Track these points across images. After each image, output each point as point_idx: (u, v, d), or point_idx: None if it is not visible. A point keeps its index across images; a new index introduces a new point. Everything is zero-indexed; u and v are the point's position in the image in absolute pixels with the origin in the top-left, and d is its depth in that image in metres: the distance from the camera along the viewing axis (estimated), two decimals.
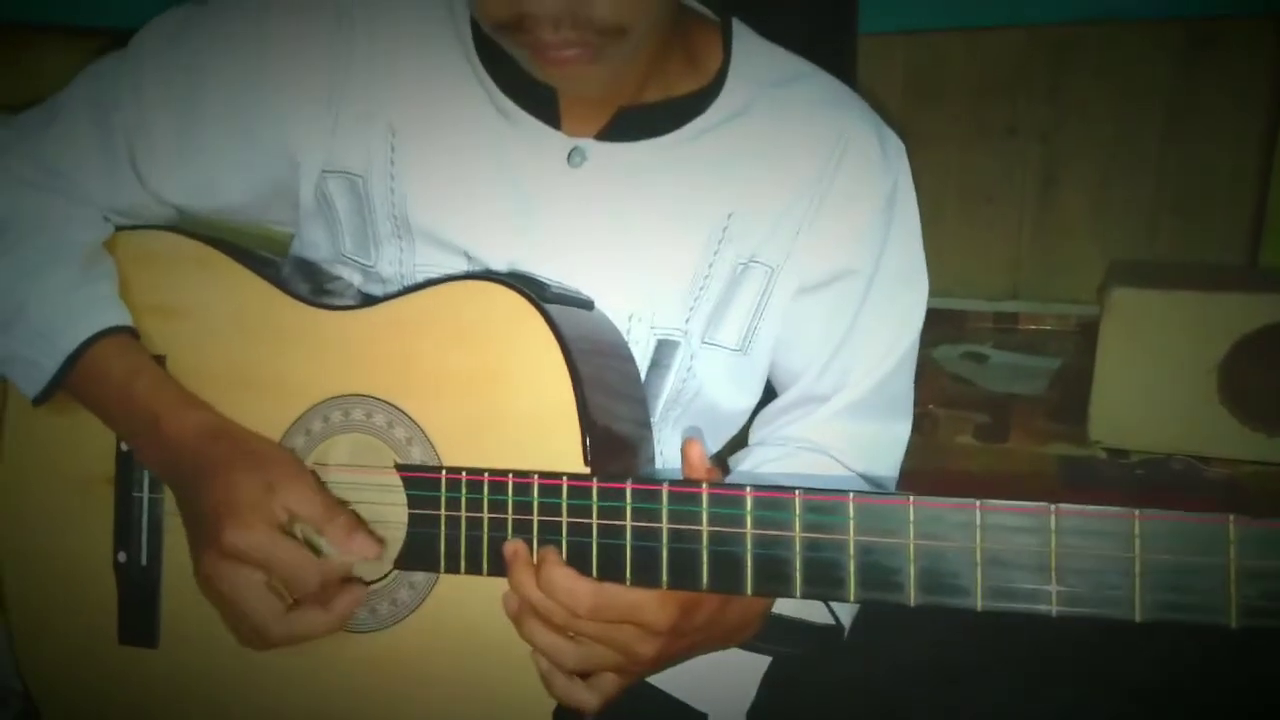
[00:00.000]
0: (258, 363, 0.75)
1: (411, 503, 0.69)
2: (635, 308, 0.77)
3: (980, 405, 1.74)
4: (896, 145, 0.81)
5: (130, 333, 0.77)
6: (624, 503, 0.63)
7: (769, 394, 0.88)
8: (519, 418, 0.68)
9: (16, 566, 0.82)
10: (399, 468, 0.70)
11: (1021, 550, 0.56)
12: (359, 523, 0.69)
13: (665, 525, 0.63)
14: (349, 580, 0.69)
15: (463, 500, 0.67)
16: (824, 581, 0.60)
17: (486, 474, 0.67)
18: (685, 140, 0.77)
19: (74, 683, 0.81)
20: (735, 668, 0.77)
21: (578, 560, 0.64)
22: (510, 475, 0.66)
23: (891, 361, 0.82)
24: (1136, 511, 0.55)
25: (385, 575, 0.71)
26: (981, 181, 1.96)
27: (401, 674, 0.71)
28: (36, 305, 0.74)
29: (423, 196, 0.76)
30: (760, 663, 0.78)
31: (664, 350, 0.79)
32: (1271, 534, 0.53)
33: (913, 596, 0.58)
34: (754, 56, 0.79)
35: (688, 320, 0.79)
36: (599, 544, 0.64)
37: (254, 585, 0.67)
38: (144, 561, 0.78)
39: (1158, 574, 0.54)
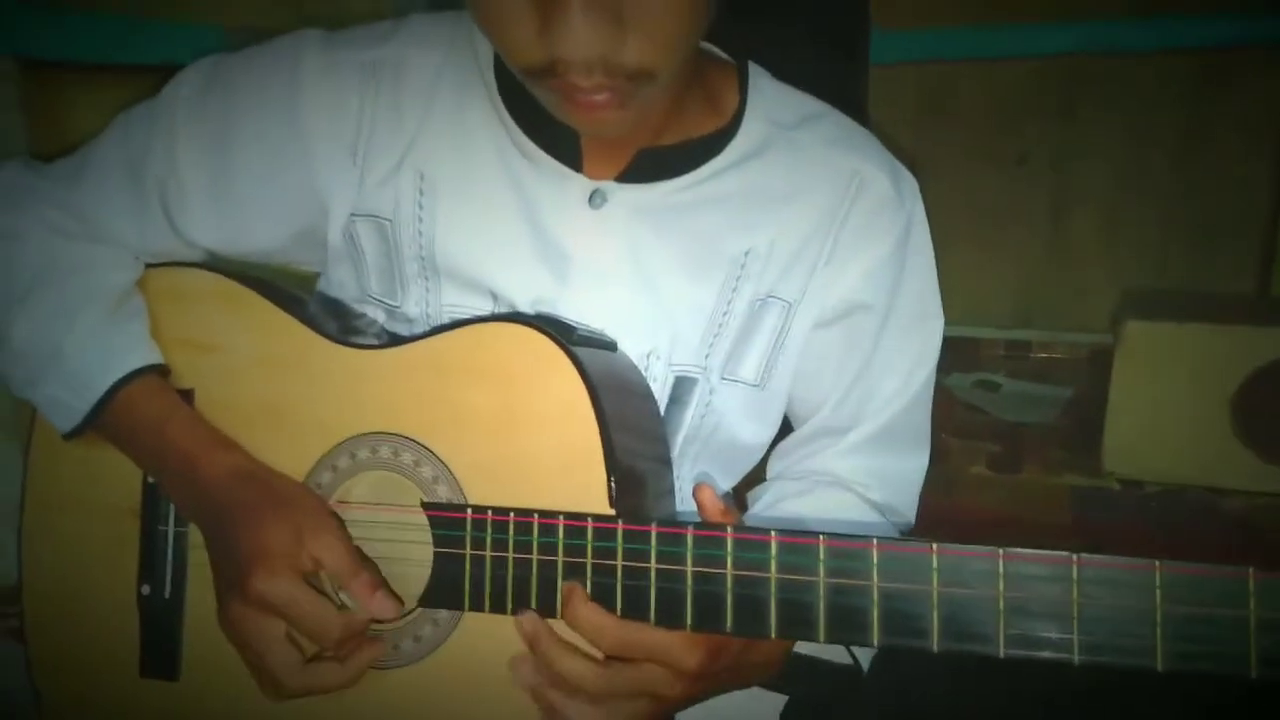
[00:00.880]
0: (285, 398, 0.76)
1: (437, 541, 0.70)
2: (653, 345, 0.78)
3: (993, 434, 1.74)
4: (910, 182, 0.83)
5: (161, 371, 0.78)
6: (649, 545, 0.64)
7: (786, 426, 0.89)
8: (545, 458, 0.68)
9: (40, 596, 0.83)
10: (425, 506, 0.71)
11: (1043, 599, 0.57)
12: (380, 580, 0.70)
13: (690, 568, 0.63)
14: (368, 635, 0.70)
15: (488, 539, 0.68)
16: (847, 626, 0.60)
17: (512, 514, 0.67)
18: (702, 180, 0.78)
19: (93, 714, 0.81)
20: (752, 706, 0.77)
21: (602, 601, 0.65)
22: (536, 515, 0.67)
23: (909, 395, 0.83)
24: (1157, 563, 0.56)
25: (409, 612, 0.72)
26: (993, 210, 1.97)
27: (425, 710, 0.71)
28: (71, 347, 0.76)
29: (449, 239, 0.77)
30: (777, 701, 0.79)
31: (682, 387, 0.80)
32: None
33: (936, 642, 0.59)
34: (769, 98, 0.81)
35: (707, 357, 0.80)
36: (624, 585, 0.65)
37: (275, 636, 0.68)
38: (167, 594, 0.78)
39: (1178, 624, 0.55)
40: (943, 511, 0.94)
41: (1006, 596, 0.57)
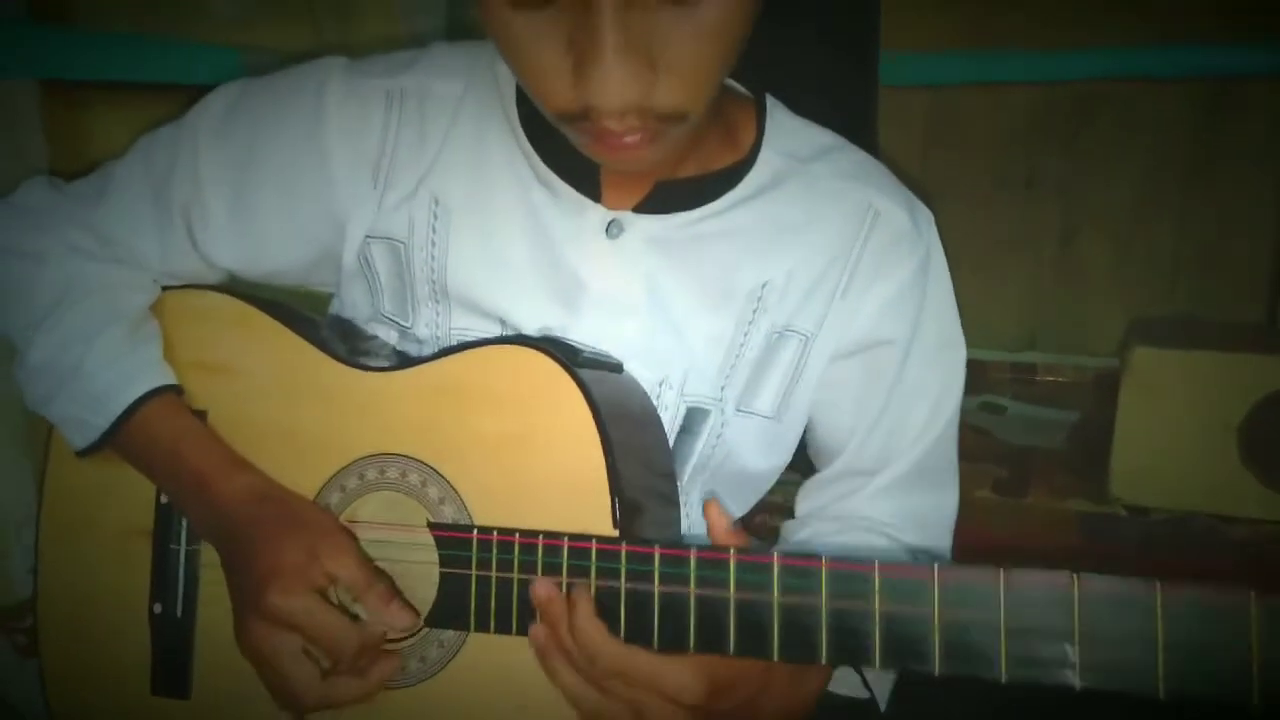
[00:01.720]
0: (295, 419, 0.77)
1: (443, 561, 0.71)
2: (665, 374, 0.79)
3: (999, 458, 1.73)
4: (926, 215, 0.83)
5: (175, 391, 0.79)
6: (652, 566, 0.64)
7: (802, 457, 0.88)
8: (550, 480, 0.69)
9: (53, 613, 0.84)
10: (432, 526, 0.72)
11: (1045, 621, 0.57)
12: (395, 592, 0.71)
13: (693, 590, 0.63)
14: (384, 649, 0.71)
15: (494, 560, 0.69)
16: (849, 649, 0.60)
17: (517, 534, 0.68)
18: (719, 213, 0.78)
19: None
20: None
21: (606, 621, 0.65)
22: (541, 537, 0.67)
23: (936, 430, 0.82)
24: (1158, 584, 0.56)
25: (415, 632, 0.72)
26: (1000, 233, 1.97)
27: None
28: (90, 366, 0.77)
29: (461, 264, 0.78)
30: None
31: (694, 417, 0.80)
32: None
33: (937, 665, 0.59)
34: (785, 132, 0.81)
35: (723, 389, 0.80)
36: (626, 607, 0.65)
37: (292, 651, 0.68)
38: (179, 613, 0.79)
39: (1181, 649, 0.55)
40: (955, 540, 0.93)
41: (1007, 614, 0.57)
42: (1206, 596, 0.55)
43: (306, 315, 0.84)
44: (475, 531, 0.70)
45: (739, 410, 0.80)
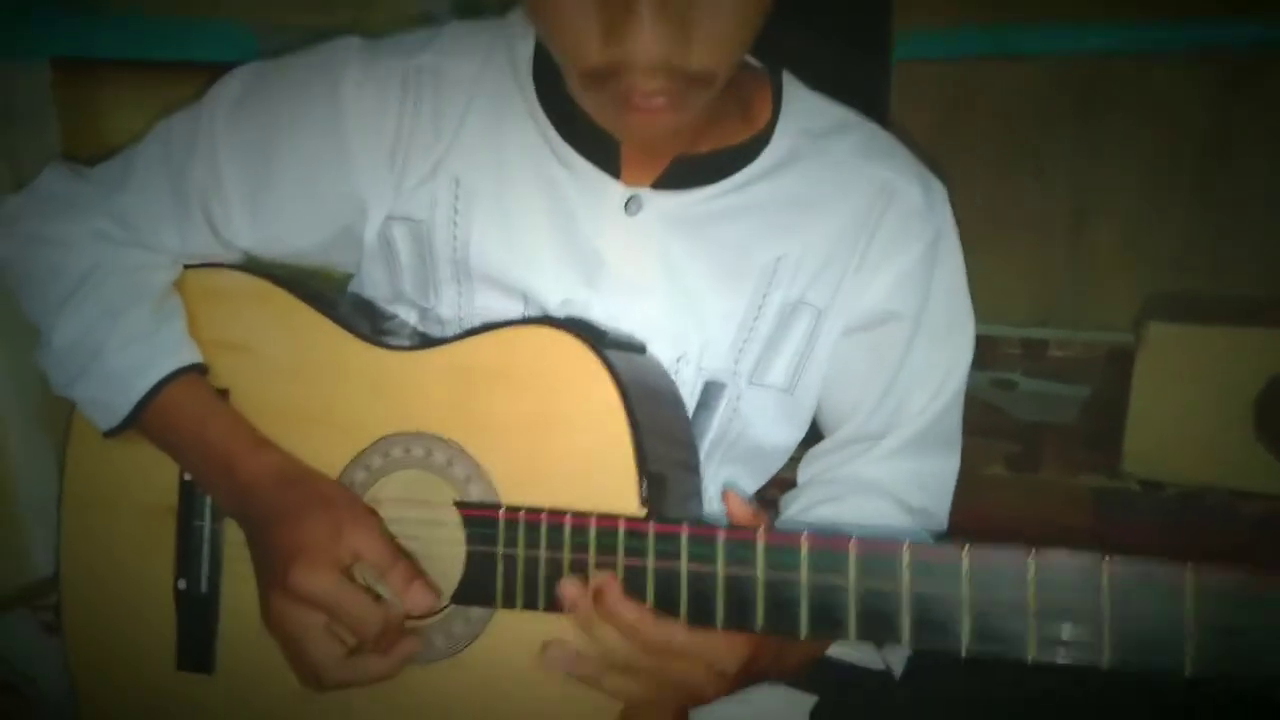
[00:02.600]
0: (319, 398, 0.77)
1: (470, 539, 0.71)
2: (683, 350, 0.79)
3: (1011, 434, 1.73)
4: (940, 192, 0.83)
5: (200, 370, 0.79)
6: (680, 546, 0.65)
7: (813, 431, 0.89)
8: (576, 459, 0.69)
9: (77, 591, 0.84)
10: (458, 505, 0.72)
11: (1073, 601, 0.57)
12: (419, 572, 0.71)
13: (720, 570, 0.64)
14: (407, 627, 0.71)
15: (520, 539, 0.69)
16: (878, 629, 0.61)
17: (544, 514, 0.68)
18: (735, 188, 0.79)
19: (130, 707, 0.82)
20: (781, 706, 0.78)
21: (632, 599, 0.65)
22: (568, 516, 0.68)
23: (942, 401, 0.83)
24: (1189, 566, 0.56)
25: (441, 609, 0.73)
26: (1012, 209, 1.95)
27: (458, 707, 0.72)
28: (114, 347, 0.77)
29: (484, 243, 0.78)
30: (807, 701, 0.79)
31: (710, 391, 0.81)
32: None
33: (965, 645, 0.59)
34: (801, 107, 0.82)
35: (737, 362, 0.80)
36: (654, 585, 0.65)
37: (316, 628, 0.69)
38: (204, 589, 0.80)
39: (1209, 630, 0.55)
40: (960, 512, 0.94)
41: (1037, 595, 0.58)
42: (1238, 580, 0.55)
43: (328, 294, 0.84)
44: (502, 510, 0.70)
45: (752, 383, 0.81)
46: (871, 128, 0.84)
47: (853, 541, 0.61)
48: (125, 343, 0.78)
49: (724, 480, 0.84)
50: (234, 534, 0.78)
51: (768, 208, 0.79)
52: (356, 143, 0.77)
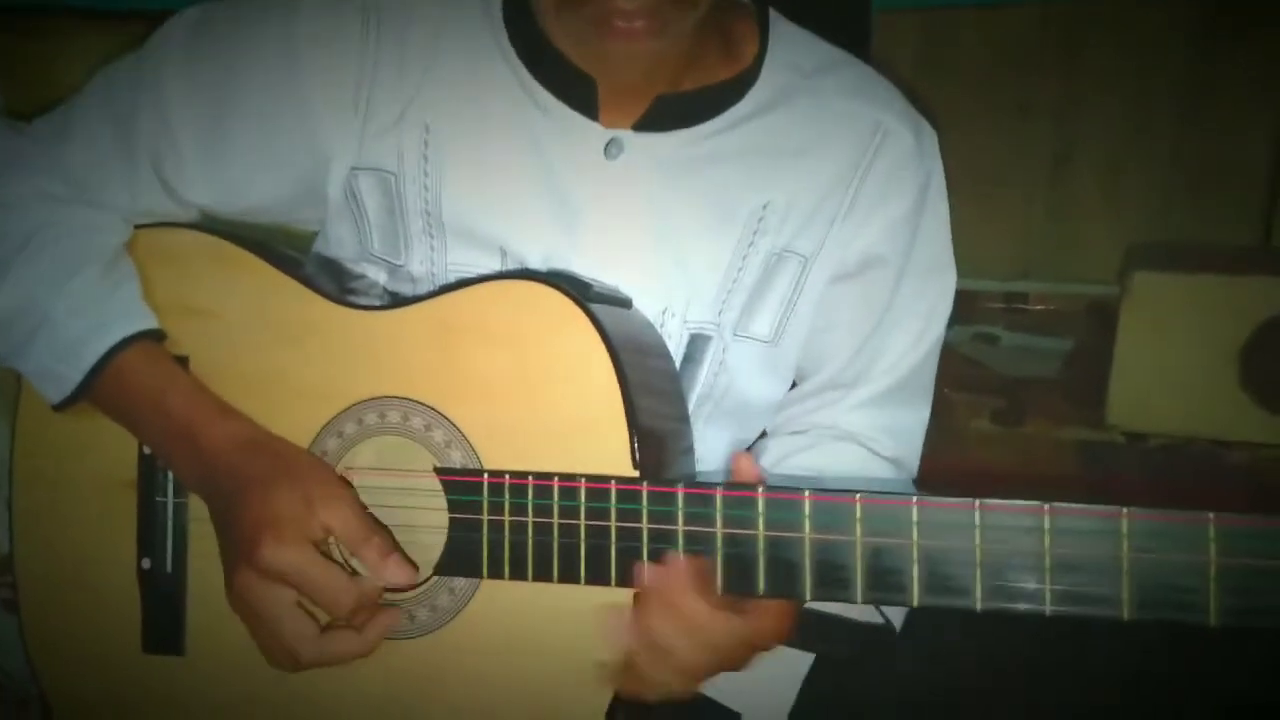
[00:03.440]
0: (286, 363, 0.73)
1: (452, 507, 0.68)
2: (668, 302, 0.76)
3: (995, 388, 1.73)
4: (931, 136, 0.81)
5: (156, 336, 0.75)
6: (675, 507, 0.62)
7: None
8: (563, 420, 0.66)
9: (33, 573, 0.80)
10: (439, 471, 0.69)
11: (1089, 554, 0.55)
12: (394, 546, 0.68)
13: (720, 530, 0.61)
14: (384, 602, 0.68)
15: (506, 504, 0.66)
16: (885, 587, 0.59)
17: (531, 477, 0.65)
18: (721, 130, 0.75)
19: (95, 692, 0.79)
20: (776, 670, 0.76)
21: (626, 565, 0.63)
22: (556, 479, 0.65)
23: (920, 352, 0.82)
24: (1212, 516, 0.54)
25: (424, 581, 0.69)
26: (993, 159, 1.94)
27: (444, 681, 0.69)
28: (62, 313, 0.73)
29: (457, 193, 0.74)
30: (801, 666, 0.78)
31: (696, 345, 0.78)
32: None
33: (979, 600, 0.57)
34: (789, 44, 0.78)
35: (720, 313, 0.78)
36: (649, 549, 0.63)
37: (286, 605, 0.66)
38: (169, 568, 0.76)
39: (1230, 578, 0.53)
40: (945, 467, 0.94)
41: (1053, 553, 0.56)
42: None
43: (291, 254, 0.79)
44: (486, 475, 0.67)
45: (736, 335, 0.79)
46: (862, 66, 0.81)
47: (858, 497, 0.59)
48: (74, 309, 0.73)
49: (712, 438, 0.82)
50: (198, 509, 0.74)
51: (755, 151, 0.76)
52: (314, 85, 0.73)
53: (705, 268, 0.77)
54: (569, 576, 0.65)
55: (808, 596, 0.60)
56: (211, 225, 0.78)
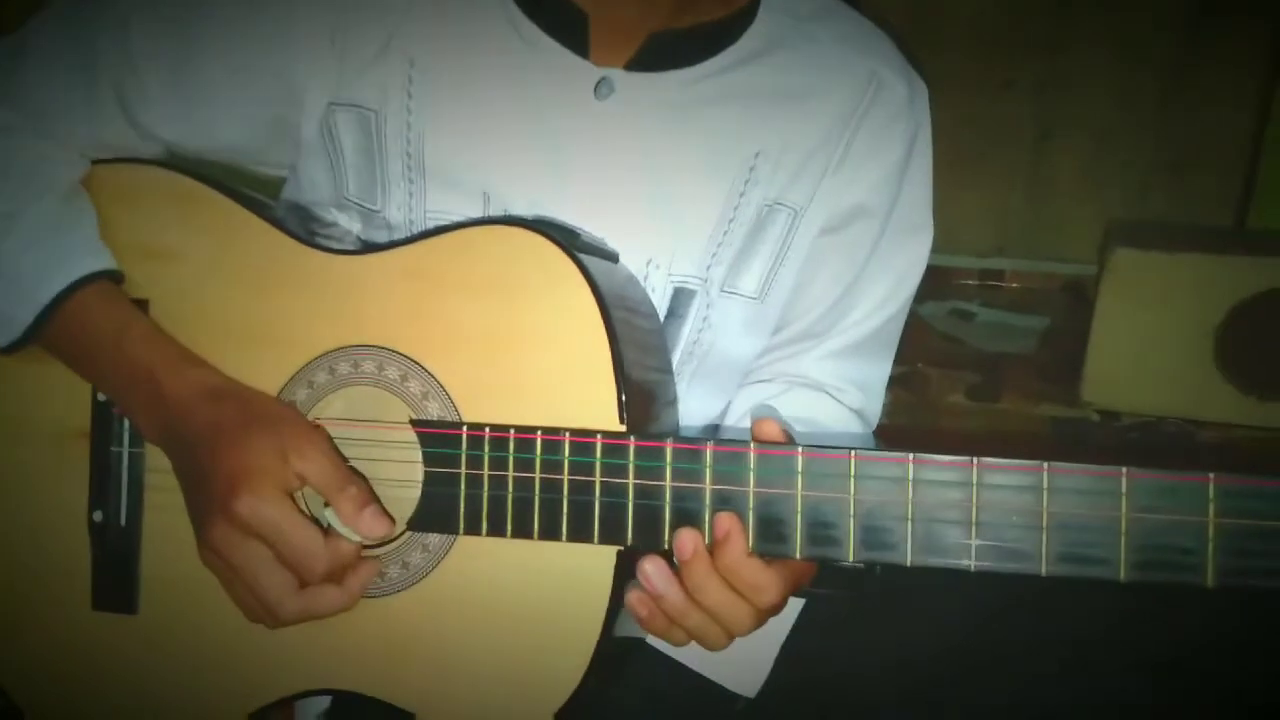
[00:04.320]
0: (254, 309, 0.70)
1: (428, 460, 0.65)
2: (654, 253, 0.74)
3: (971, 364, 1.74)
4: (922, 89, 0.80)
5: (114, 278, 0.71)
6: (664, 462, 0.60)
7: None
8: (547, 373, 0.64)
9: None
10: (415, 423, 0.66)
11: (1089, 516, 0.54)
12: (371, 496, 0.65)
13: (709, 485, 0.59)
14: (362, 555, 0.65)
15: (485, 459, 0.63)
16: (878, 544, 0.57)
17: (512, 430, 0.63)
18: (715, 74, 0.73)
19: (41, 650, 0.75)
20: (753, 640, 0.74)
21: (612, 522, 0.61)
22: (539, 432, 0.62)
23: (893, 307, 0.83)
24: (1212, 476, 0.53)
25: (397, 537, 0.66)
26: (974, 135, 1.94)
27: (414, 640, 0.67)
28: (11, 251, 0.68)
29: (441, 132, 0.71)
30: (778, 635, 0.77)
31: (680, 299, 0.76)
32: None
33: (973, 562, 0.56)
34: None
35: (709, 268, 0.75)
36: (635, 504, 0.60)
37: (264, 559, 0.62)
38: (123, 521, 0.72)
39: (1228, 538, 0.53)
40: (921, 441, 0.93)
41: (1050, 513, 0.54)
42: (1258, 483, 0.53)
43: (259, 197, 0.75)
44: (465, 428, 0.64)
45: (724, 291, 0.77)
46: (855, 14, 0.80)
47: (853, 453, 0.57)
48: (26, 246, 0.69)
49: (694, 397, 0.79)
50: (156, 460, 0.70)
51: (750, 97, 0.74)
52: (288, 11, 0.69)
53: (695, 218, 0.74)
54: (550, 533, 0.62)
55: (798, 554, 0.58)
56: (176, 163, 0.74)
